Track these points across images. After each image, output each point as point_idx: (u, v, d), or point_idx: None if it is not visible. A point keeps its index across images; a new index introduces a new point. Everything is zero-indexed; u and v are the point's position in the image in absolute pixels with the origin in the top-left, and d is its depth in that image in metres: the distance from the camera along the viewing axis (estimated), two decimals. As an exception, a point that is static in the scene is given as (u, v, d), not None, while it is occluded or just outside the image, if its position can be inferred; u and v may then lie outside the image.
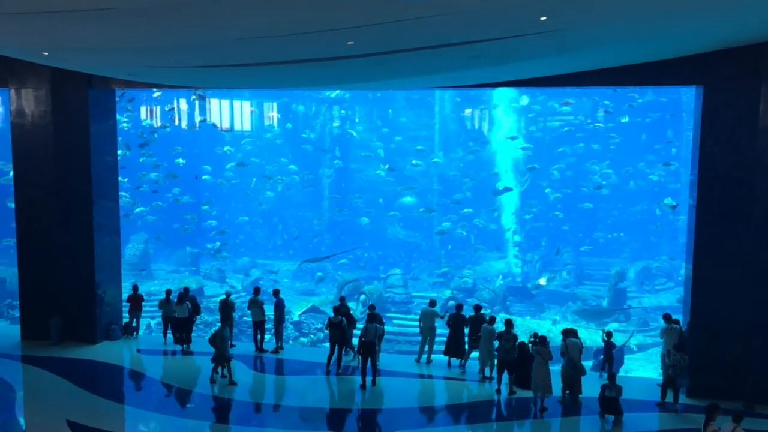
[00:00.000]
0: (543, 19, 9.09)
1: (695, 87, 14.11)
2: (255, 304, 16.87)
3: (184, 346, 16.93)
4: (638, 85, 14.31)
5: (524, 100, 39.84)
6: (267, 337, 17.66)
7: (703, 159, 13.68)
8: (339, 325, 15.31)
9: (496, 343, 14.64)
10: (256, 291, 17.31)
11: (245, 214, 40.04)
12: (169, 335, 17.37)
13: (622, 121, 39.02)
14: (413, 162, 37.64)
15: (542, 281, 33.33)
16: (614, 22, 9.84)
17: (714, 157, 13.55)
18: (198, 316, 18.39)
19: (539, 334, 14.49)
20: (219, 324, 17.49)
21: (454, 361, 15.84)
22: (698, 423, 12.80)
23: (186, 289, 17.81)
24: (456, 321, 15.76)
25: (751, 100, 13.15)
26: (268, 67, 12.66)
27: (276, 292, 17.27)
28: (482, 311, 16.14)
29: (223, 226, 38.55)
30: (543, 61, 12.96)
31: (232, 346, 16.60)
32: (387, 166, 37.91)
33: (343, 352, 15.64)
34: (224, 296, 17.68)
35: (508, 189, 37.33)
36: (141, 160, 30.23)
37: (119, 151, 18.11)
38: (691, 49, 12.90)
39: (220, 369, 14.68)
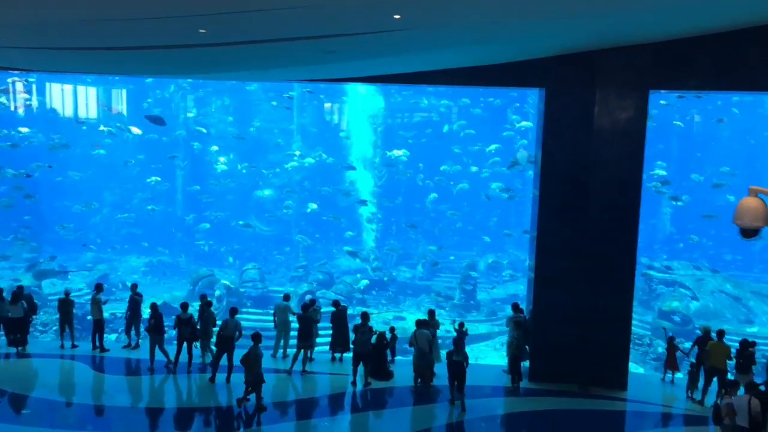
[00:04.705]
0: (397, 17, 9.24)
1: (538, 90, 14.89)
2: (94, 302, 16.24)
3: (20, 348, 15.78)
4: (487, 85, 14.90)
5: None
6: (113, 336, 16.81)
7: (544, 157, 14.44)
8: (189, 322, 14.86)
9: (352, 336, 14.80)
10: (98, 288, 16.63)
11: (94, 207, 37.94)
12: (2, 337, 16.03)
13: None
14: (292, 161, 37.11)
15: None
16: (463, 24, 10.20)
17: (554, 155, 14.35)
18: (35, 316, 17.33)
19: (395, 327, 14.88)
20: (58, 324, 16.58)
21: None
22: (541, 405, 13.76)
23: (20, 287, 16.57)
24: (338, 317, 15.83)
25: (587, 104, 13.93)
26: (117, 52, 11.97)
27: (133, 287, 16.74)
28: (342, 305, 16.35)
29: (68, 219, 36.39)
30: (400, 58, 13.18)
31: (106, 350, 16.01)
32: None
33: (194, 347, 15.16)
34: (63, 295, 16.76)
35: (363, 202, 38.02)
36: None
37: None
38: (533, 53, 13.60)
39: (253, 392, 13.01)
